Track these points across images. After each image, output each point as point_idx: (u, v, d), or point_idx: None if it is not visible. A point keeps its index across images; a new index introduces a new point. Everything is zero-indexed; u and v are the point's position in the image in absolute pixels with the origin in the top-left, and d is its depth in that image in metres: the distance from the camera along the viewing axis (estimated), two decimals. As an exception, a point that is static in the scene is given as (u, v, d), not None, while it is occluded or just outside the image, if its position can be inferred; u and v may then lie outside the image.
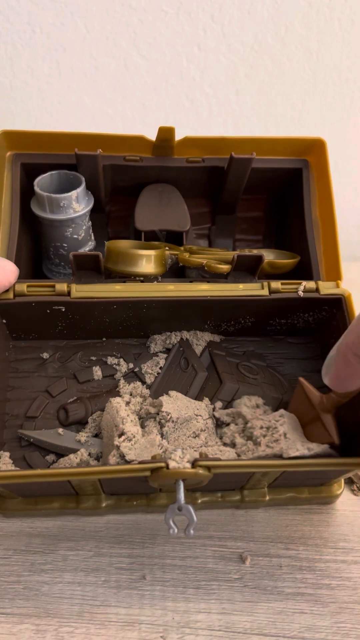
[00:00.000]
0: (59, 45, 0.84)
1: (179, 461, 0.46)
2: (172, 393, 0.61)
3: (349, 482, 0.63)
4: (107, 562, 0.57)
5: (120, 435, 0.54)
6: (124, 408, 0.56)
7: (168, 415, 0.58)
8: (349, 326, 0.45)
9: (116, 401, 0.58)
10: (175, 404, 0.59)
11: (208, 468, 0.46)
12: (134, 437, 0.54)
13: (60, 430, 0.59)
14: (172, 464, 0.45)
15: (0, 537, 0.58)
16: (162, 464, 0.45)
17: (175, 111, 0.91)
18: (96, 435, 0.60)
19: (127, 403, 0.60)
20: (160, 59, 0.86)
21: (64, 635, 0.51)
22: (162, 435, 0.57)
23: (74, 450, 0.57)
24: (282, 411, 0.56)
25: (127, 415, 0.56)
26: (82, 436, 0.58)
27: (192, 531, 0.45)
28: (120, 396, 0.61)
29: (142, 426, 0.58)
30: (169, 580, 0.56)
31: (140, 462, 0.46)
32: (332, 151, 0.66)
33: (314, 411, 0.54)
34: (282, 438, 0.53)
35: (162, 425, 0.58)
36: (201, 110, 0.91)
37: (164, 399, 0.59)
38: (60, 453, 0.58)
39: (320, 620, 0.53)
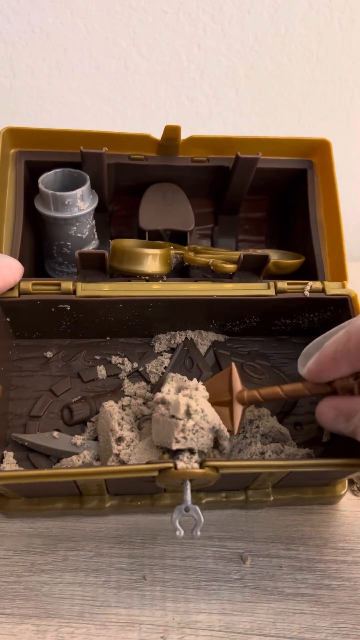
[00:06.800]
0: (59, 45, 0.84)
1: (187, 461, 0.46)
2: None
3: (350, 482, 0.64)
4: (107, 562, 0.57)
5: (117, 442, 0.54)
6: (117, 412, 0.56)
7: None
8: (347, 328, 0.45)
9: (109, 404, 0.57)
10: None
11: (216, 468, 0.46)
12: (132, 441, 0.54)
13: (55, 433, 0.58)
14: (180, 465, 0.45)
15: (1, 538, 0.58)
16: (170, 464, 0.45)
17: (175, 111, 0.91)
18: (95, 439, 0.59)
19: (124, 406, 0.59)
20: (160, 59, 0.86)
21: (64, 635, 0.51)
22: None
23: (70, 454, 0.57)
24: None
25: (122, 419, 0.56)
26: (78, 439, 0.58)
27: (199, 532, 0.45)
28: (123, 396, 0.61)
29: (139, 427, 0.58)
30: (169, 580, 0.56)
31: (148, 462, 0.46)
32: (333, 150, 0.66)
33: (229, 397, 0.53)
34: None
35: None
36: (201, 110, 0.91)
37: None
38: (56, 457, 0.58)
39: (320, 621, 0.53)
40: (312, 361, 0.48)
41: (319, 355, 0.47)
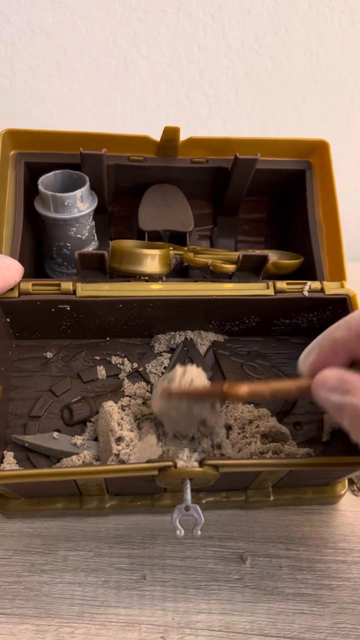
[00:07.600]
0: (59, 45, 0.84)
1: (187, 460, 0.46)
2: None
3: (350, 482, 0.63)
4: (107, 562, 0.57)
5: (117, 441, 0.54)
6: (117, 412, 0.56)
7: None
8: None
9: (108, 405, 0.57)
10: None
11: (216, 467, 0.46)
12: (132, 441, 0.54)
13: (55, 434, 0.58)
14: (180, 463, 0.45)
15: (1, 538, 0.58)
16: (170, 463, 0.45)
17: (175, 111, 0.91)
18: (95, 439, 0.59)
19: (123, 406, 0.59)
20: (160, 59, 0.86)
21: (64, 635, 0.51)
22: (158, 437, 0.57)
23: (70, 454, 0.57)
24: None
25: (122, 419, 0.56)
26: (78, 439, 0.58)
27: (199, 532, 0.45)
28: (123, 396, 0.61)
29: (139, 427, 0.58)
30: (169, 580, 0.56)
31: (148, 461, 0.46)
32: (332, 151, 0.66)
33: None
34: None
35: (158, 426, 0.58)
36: (201, 110, 0.91)
37: None
38: (56, 457, 0.58)
39: (320, 621, 0.53)
40: (314, 354, 0.47)
41: (319, 347, 0.47)
